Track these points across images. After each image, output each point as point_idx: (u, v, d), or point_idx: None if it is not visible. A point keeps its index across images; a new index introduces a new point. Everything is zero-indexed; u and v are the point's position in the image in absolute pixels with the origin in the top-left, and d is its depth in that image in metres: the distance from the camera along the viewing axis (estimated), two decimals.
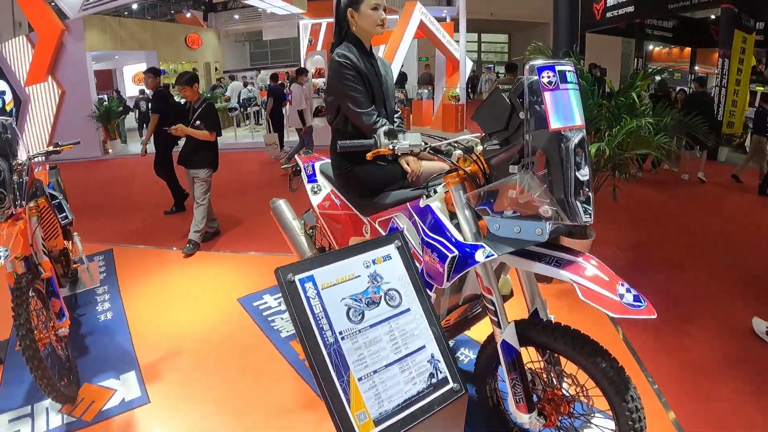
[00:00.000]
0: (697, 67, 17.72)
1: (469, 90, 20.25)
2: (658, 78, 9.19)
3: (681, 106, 7.77)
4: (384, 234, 2.19)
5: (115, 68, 19.59)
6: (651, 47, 19.05)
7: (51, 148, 3.20)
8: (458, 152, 1.79)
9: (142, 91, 13.74)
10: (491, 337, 1.82)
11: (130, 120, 14.81)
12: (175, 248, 5.03)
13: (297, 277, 1.57)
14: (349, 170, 2.28)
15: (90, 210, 6.67)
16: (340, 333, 1.56)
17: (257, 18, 20.58)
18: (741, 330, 3.33)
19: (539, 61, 1.47)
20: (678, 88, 11.79)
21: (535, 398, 1.78)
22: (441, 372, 1.67)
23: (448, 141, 1.82)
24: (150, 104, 5.97)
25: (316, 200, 2.66)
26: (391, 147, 1.72)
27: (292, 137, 10.73)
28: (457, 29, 13.50)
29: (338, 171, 2.35)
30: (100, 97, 12.74)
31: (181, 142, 4.98)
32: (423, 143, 1.74)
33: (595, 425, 1.79)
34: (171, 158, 6.00)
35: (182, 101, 5.48)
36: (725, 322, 3.45)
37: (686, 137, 6.20)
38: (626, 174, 3.89)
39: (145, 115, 12.83)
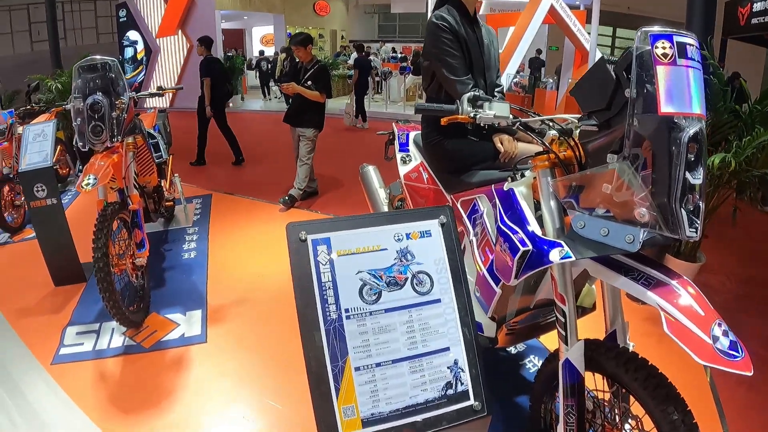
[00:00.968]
0: None
1: None
2: None
3: None
4: (464, 215, 1.95)
5: (245, 28, 20.60)
6: None
7: (155, 90, 3.38)
8: (553, 132, 1.53)
9: (261, 53, 14.54)
10: (555, 355, 1.58)
11: (252, 78, 15.71)
12: (271, 202, 5.20)
13: (310, 237, 1.35)
14: (438, 142, 2.12)
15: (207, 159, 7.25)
16: (347, 311, 1.31)
17: None
18: None
19: (655, 28, 1.19)
20: None
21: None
22: (462, 384, 1.34)
23: (544, 118, 1.55)
24: (200, 70, 6.56)
25: (404, 170, 2.54)
26: (472, 115, 1.52)
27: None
28: (589, 19, 12.20)
29: (427, 142, 2.20)
30: (228, 54, 13.65)
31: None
32: (511, 116, 1.52)
33: None
34: (206, 118, 6.61)
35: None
36: None
37: None
38: (751, 194, 3.25)
39: (264, 75, 13.59)
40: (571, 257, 1.30)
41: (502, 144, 1.96)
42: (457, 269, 1.43)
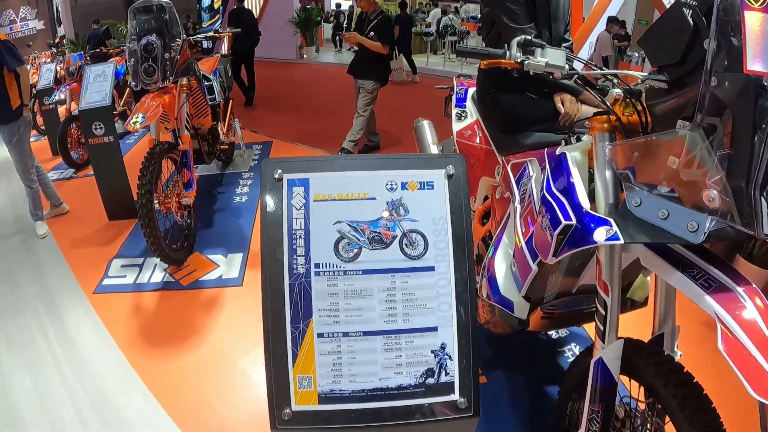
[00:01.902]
0: None
1: None
2: None
3: None
4: (513, 180, 1.74)
5: None
6: None
7: (211, 34, 3.34)
8: (617, 92, 1.33)
9: (338, 5, 14.19)
10: (591, 350, 1.38)
11: (329, 31, 15.51)
12: (327, 152, 5.10)
13: (287, 176, 1.13)
14: (493, 97, 1.94)
15: (267, 103, 7.26)
16: (317, 266, 1.09)
17: None
18: None
19: None
20: None
21: None
22: (447, 374, 1.07)
23: (607, 72, 1.31)
24: (229, 18, 6.76)
25: (457, 127, 2.38)
26: (519, 61, 1.34)
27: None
28: None
29: (482, 96, 2.03)
30: (306, 7, 13.48)
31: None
32: (567, 66, 1.31)
33: None
34: (239, 64, 6.86)
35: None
36: None
37: None
38: None
39: (339, 28, 13.36)
40: (619, 239, 1.11)
41: (563, 104, 1.75)
42: (462, 234, 1.14)
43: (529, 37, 1.38)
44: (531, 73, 1.35)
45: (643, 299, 1.65)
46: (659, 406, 1.24)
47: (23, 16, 17.73)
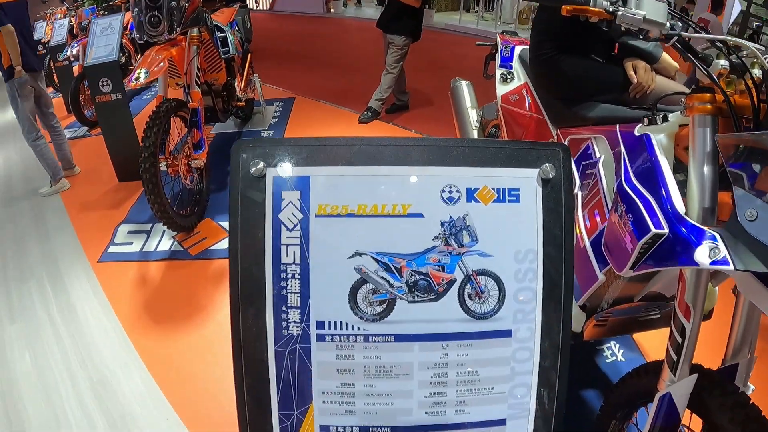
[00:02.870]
0: None
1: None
2: None
3: None
4: (572, 159, 1.24)
5: None
6: None
7: None
8: (723, 63, 1.01)
9: None
10: (648, 369, 1.19)
11: None
12: (355, 111, 4.56)
13: (272, 172, 0.64)
14: (550, 57, 1.61)
15: (291, 59, 6.57)
16: (321, 326, 0.61)
17: None
18: None
19: None
20: None
21: None
22: None
23: (716, 37, 1.02)
24: None
25: (502, 90, 2.05)
26: (611, 10, 1.06)
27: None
28: None
29: (536, 55, 1.70)
30: None
31: None
32: (668, 24, 1.03)
33: None
34: None
35: None
36: None
37: None
38: None
39: None
40: (728, 265, 0.83)
41: (635, 72, 1.50)
42: (559, 278, 0.65)
43: None
44: (622, 28, 1.08)
45: (707, 312, 1.39)
46: None
47: None
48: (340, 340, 0.63)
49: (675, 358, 1.03)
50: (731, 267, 0.83)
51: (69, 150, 3.40)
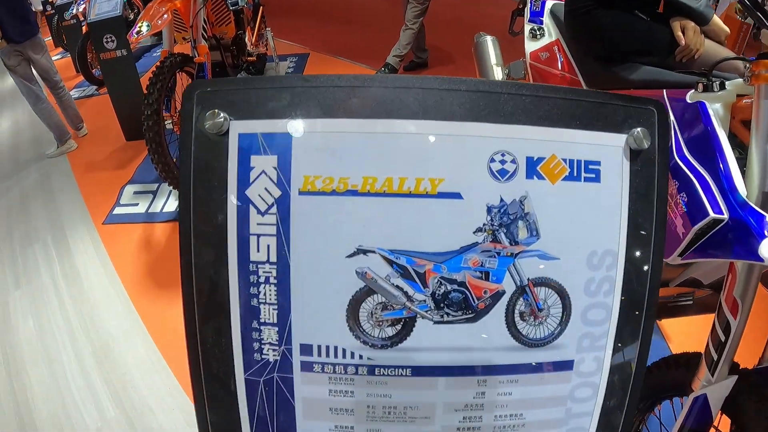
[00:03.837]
0: None
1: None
2: None
3: None
4: None
5: None
6: None
7: None
8: None
9: None
10: (679, 362, 1.04)
11: None
12: (371, 67, 4.25)
13: (237, 129, 0.41)
14: (587, 12, 1.47)
15: (305, 12, 6.11)
16: (306, 351, 0.40)
17: None
18: None
19: None
20: None
21: None
22: None
23: None
24: None
25: (531, 47, 1.88)
26: None
27: None
28: None
29: (572, 9, 1.55)
30: None
31: None
32: None
33: None
34: None
35: None
36: None
37: None
38: None
39: None
40: None
41: (684, 33, 1.36)
42: (644, 290, 0.43)
43: None
44: None
45: None
46: None
47: None
48: (335, 372, 0.41)
49: (715, 356, 0.91)
50: None
51: (76, 110, 3.17)
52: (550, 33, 1.85)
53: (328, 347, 0.41)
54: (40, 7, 4.59)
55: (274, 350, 0.41)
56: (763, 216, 0.75)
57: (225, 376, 0.43)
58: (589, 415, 0.46)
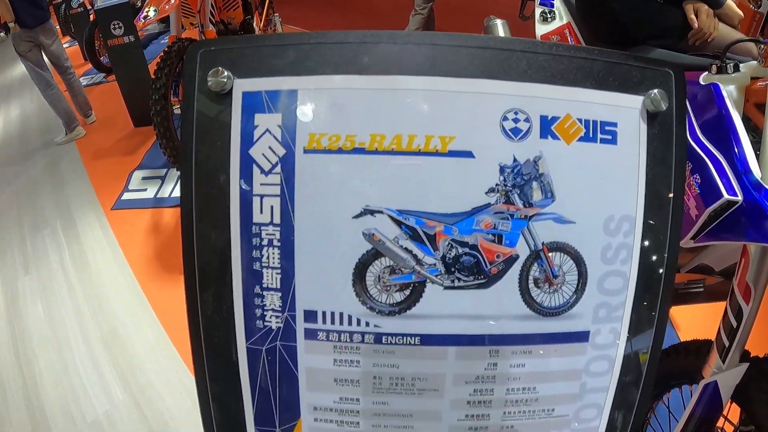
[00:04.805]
0: None
1: None
2: None
3: None
4: None
5: None
6: None
7: None
8: None
9: None
10: (689, 349, 1.02)
11: None
12: None
13: (240, 87, 0.39)
14: None
15: None
16: (311, 317, 0.39)
17: None
18: None
19: None
20: None
21: None
22: None
23: None
24: None
25: (542, 30, 1.87)
26: None
27: None
28: None
29: None
30: None
31: None
32: None
33: None
34: None
35: None
36: None
37: None
38: None
39: None
40: None
41: (697, 16, 1.34)
42: (662, 259, 0.40)
43: None
44: None
45: None
46: None
47: None
48: (339, 340, 0.40)
49: (726, 343, 0.90)
50: None
51: (86, 97, 3.18)
52: (561, 16, 1.80)
53: (333, 314, 0.39)
54: None
55: (277, 317, 0.40)
56: None
57: (226, 345, 0.41)
58: (604, 391, 0.44)
